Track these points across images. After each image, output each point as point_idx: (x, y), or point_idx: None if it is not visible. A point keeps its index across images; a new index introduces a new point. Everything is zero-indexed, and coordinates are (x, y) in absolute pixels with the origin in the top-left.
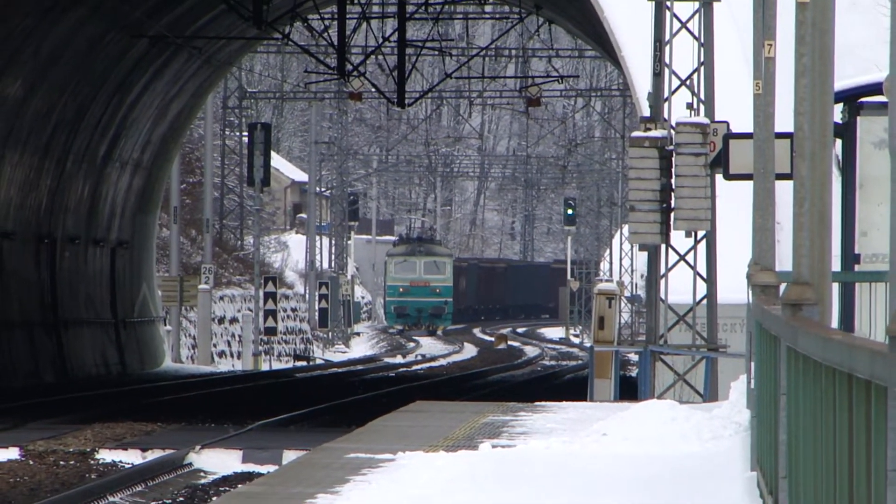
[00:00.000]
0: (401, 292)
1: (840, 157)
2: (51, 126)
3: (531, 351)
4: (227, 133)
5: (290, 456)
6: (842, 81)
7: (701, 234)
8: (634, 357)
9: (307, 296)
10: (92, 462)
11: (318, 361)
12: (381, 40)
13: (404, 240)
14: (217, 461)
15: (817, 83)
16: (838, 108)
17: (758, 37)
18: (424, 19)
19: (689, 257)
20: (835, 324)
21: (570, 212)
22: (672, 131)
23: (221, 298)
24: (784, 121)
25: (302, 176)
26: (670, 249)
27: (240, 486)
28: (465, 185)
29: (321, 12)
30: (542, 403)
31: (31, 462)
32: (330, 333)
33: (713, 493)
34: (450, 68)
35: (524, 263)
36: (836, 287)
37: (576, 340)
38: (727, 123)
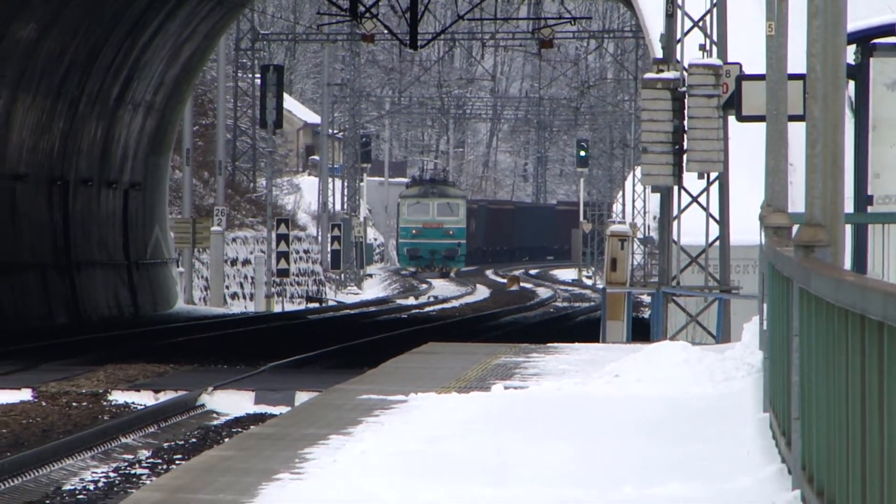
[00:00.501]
0: (413, 234)
1: (853, 99)
2: (63, 68)
3: (544, 293)
4: (239, 75)
5: (302, 397)
6: (854, 23)
7: (713, 175)
8: (647, 298)
9: (319, 238)
10: (104, 403)
11: (331, 303)
12: None
13: (417, 181)
14: (229, 402)
15: (829, 24)
16: (851, 49)
17: None
18: None
19: (702, 199)
20: (847, 265)
21: (582, 153)
22: (685, 73)
23: (234, 240)
24: (797, 62)
25: (314, 118)
26: (683, 191)
27: (252, 427)
28: (477, 127)
29: None
30: (555, 345)
31: (43, 403)
32: (342, 275)
33: (726, 433)
34: (462, 9)
35: (530, 205)
36: (848, 228)
37: (588, 282)
38: (740, 65)
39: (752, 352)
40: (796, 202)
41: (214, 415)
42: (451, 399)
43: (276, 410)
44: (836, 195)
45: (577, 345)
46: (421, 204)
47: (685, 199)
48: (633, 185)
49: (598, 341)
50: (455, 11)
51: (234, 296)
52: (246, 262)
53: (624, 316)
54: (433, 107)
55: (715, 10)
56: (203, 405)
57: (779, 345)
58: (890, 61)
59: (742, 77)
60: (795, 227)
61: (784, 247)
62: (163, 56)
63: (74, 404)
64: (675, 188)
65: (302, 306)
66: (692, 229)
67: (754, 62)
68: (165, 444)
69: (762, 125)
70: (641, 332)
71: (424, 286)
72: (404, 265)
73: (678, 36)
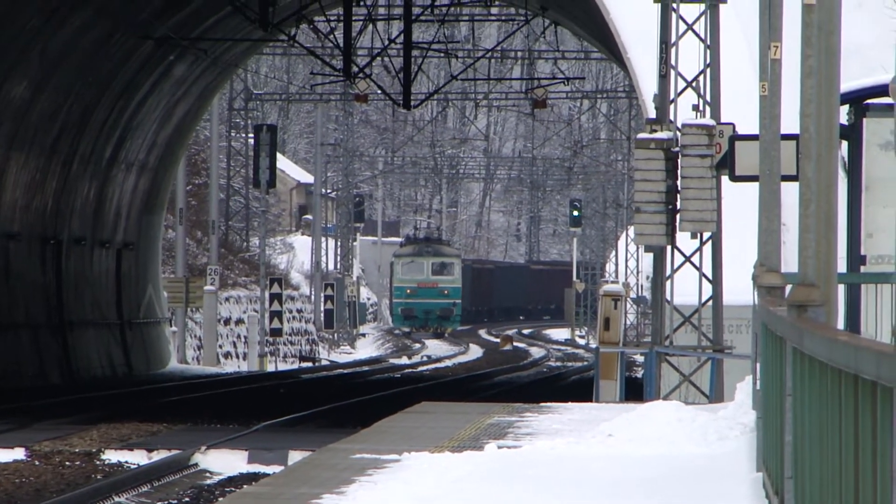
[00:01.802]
0: (408, 294)
1: (846, 159)
2: (57, 127)
3: (537, 352)
4: (232, 135)
5: (295, 456)
6: (848, 83)
7: (707, 235)
8: (640, 358)
9: (313, 297)
10: (98, 462)
11: (324, 362)
12: (386, 42)
13: (411, 240)
14: (223, 462)
15: (823, 85)
16: (844, 109)
17: (764, 38)
18: (430, 21)
19: (695, 259)
20: (840, 325)
21: (575, 213)
22: (678, 133)
23: (227, 299)
24: (790, 122)
25: (307, 177)
26: (676, 251)
27: (245, 486)
28: (470, 187)
29: (327, 14)
30: (548, 404)
31: (36, 462)
32: (335, 334)
33: (719, 494)
34: (456, 70)
35: (506, 264)
36: (841, 288)
37: (581, 342)
38: (733, 125)
39: (746, 411)
40: (789, 262)
41: (208, 474)
42: (445, 458)
43: (269, 470)
44: (830, 255)
45: (570, 404)
46: (415, 263)
47: (678, 258)
48: (626, 245)
49: (591, 401)
50: (448, 72)
51: (227, 355)
52: (239, 321)
53: (617, 375)
54: (426, 166)
55: (708, 70)
56: (196, 464)
57: (772, 404)
58: (883, 122)
59: (735, 137)
60: (789, 287)
61: (777, 306)
62: (156, 116)
63: (67, 463)
64: (669, 248)
65: (295, 365)
66: (685, 289)
67: (748, 122)
68: None
69: (755, 185)
70: (635, 391)
71: (418, 345)
72: (398, 325)
73: (671, 96)
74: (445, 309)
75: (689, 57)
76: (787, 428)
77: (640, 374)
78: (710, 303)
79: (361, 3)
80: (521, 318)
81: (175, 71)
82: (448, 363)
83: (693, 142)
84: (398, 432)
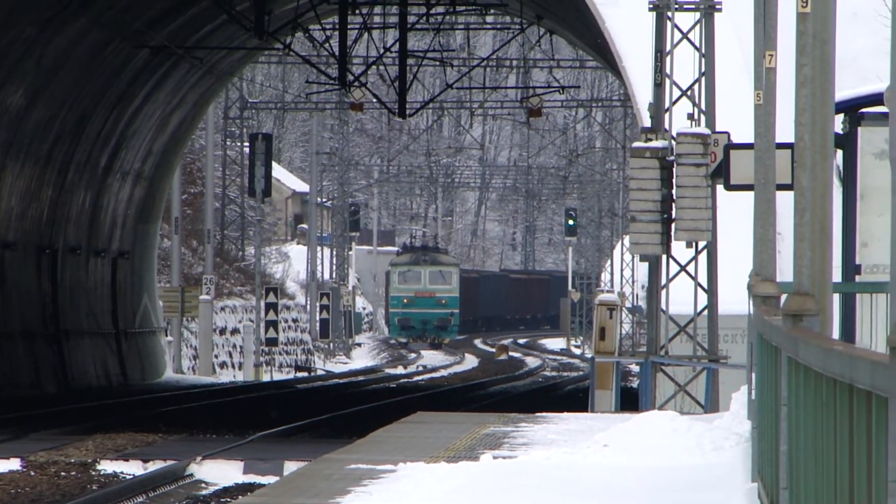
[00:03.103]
0: (405, 303)
1: (841, 168)
2: (52, 136)
3: (532, 362)
4: (228, 143)
5: (291, 467)
6: (843, 92)
7: (702, 244)
8: (635, 368)
9: (308, 306)
10: (93, 473)
11: (320, 372)
12: (382, 51)
13: (408, 248)
14: (218, 472)
15: (818, 93)
16: (839, 118)
17: (759, 47)
18: (425, 30)
19: (690, 268)
20: (835, 335)
21: (570, 222)
22: (673, 142)
23: (222, 309)
24: (785, 131)
25: (303, 186)
26: (671, 260)
27: (241, 497)
28: (466, 196)
29: (322, 23)
30: (543, 414)
31: (32, 473)
32: (331, 344)
33: (715, 503)
34: (451, 79)
35: (486, 274)
36: (836, 298)
37: (577, 351)
38: (728, 134)
39: (741, 421)
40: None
41: (203, 484)
42: (440, 469)
43: (264, 480)
44: (825, 264)
45: (565, 414)
46: (412, 272)
47: (673, 268)
48: (622, 254)
49: (586, 411)
50: (444, 80)
51: (222, 365)
52: (235, 331)
53: (612, 385)
54: (422, 175)
55: (703, 79)
56: (192, 475)
57: (767, 414)
58: (878, 130)
59: (730, 146)
60: (784, 297)
61: (772, 316)
62: (151, 125)
63: (63, 474)
64: (664, 257)
65: (291, 375)
66: (680, 298)
67: (743, 131)
68: None
69: (750, 194)
70: (630, 401)
71: (413, 355)
72: (395, 335)
73: (666, 105)
74: (443, 319)
75: (684, 66)
76: (783, 438)
77: (635, 383)
78: (706, 312)
79: (357, 12)
80: (497, 328)
81: (170, 80)
82: (444, 373)
83: (688, 150)
84: (393, 442)
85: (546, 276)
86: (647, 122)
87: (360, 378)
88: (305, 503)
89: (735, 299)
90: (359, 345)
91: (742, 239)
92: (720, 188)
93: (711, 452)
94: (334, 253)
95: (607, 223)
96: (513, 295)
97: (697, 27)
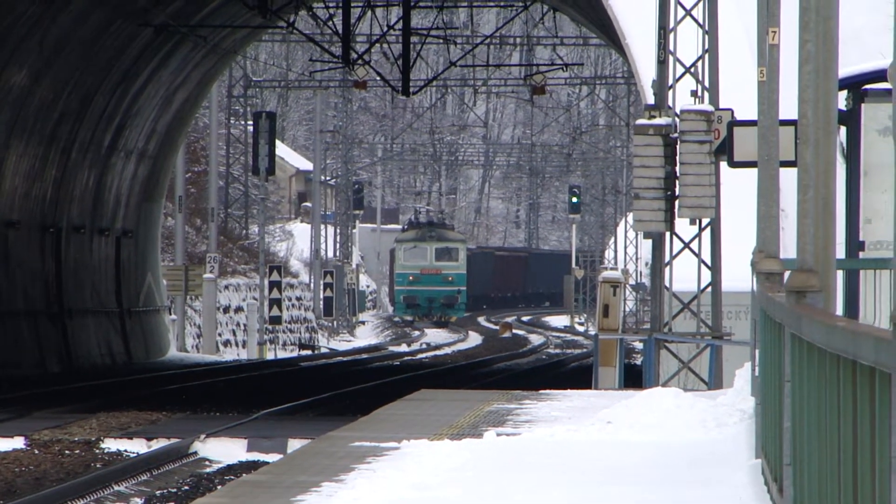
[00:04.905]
0: (410, 281)
1: (844, 145)
2: (56, 115)
3: (536, 339)
4: (231, 122)
5: (294, 444)
6: (846, 68)
7: (705, 221)
8: (639, 345)
9: (312, 285)
10: (97, 451)
11: (323, 350)
12: (385, 28)
13: (414, 224)
14: (222, 450)
15: (821, 70)
16: (842, 95)
17: (762, 24)
18: (429, 7)
19: (694, 245)
20: (839, 311)
21: (574, 200)
22: (676, 119)
23: (226, 287)
24: (788, 108)
25: (307, 165)
26: (675, 237)
27: (245, 474)
28: (469, 174)
29: (326, 1)
30: (547, 391)
31: (36, 451)
32: (335, 322)
33: (718, 480)
34: (454, 56)
35: (475, 250)
36: (840, 274)
37: (580, 329)
38: (731, 111)
39: (744, 398)
40: (788, 248)
41: (207, 462)
42: (444, 446)
43: (268, 458)
44: (828, 241)
45: (569, 391)
46: (418, 248)
47: (677, 245)
48: (625, 232)
49: (590, 388)
50: (447, 58)
51: (226, 343)
52: (238, 309)
53: (616, 362)
54: (425, 153)
55: (707, 56)
56: (196, 453)
57: (770, 391)
58: (881, 107)
59: (734, 123)
60: (787, 273)
61: (776, 293)
62: (155, 103)
63: (67, 452)
64: (667, 234)
65: (294, 353)
66: (684, 275)
67: (746, 108)
68: (158, 492)
69: (754, 171)
70: (634, 378)
71: (417, 333)
72: (400, 314)
73: (670, 82)
74: (450, 296)
75: (688, 43)
76: (786, 414)
77: (639, 360)
78: (709, 289)
79: None
80: (484, 306)
81: (174, 59)
82: (447, 350)
83: (691, 128)
84: (397, 420)
85: (524, 254)
86: (650, 100)
87: (364, 356)
88: (309, 480)
89: (739, 276)
90: (362, 323)
91: (745, 216)
92: (724, 165)
93: (715, 429)
94: (338, 231)
95: (611, 200)
96: (498, 272)
97: (701, 4)
